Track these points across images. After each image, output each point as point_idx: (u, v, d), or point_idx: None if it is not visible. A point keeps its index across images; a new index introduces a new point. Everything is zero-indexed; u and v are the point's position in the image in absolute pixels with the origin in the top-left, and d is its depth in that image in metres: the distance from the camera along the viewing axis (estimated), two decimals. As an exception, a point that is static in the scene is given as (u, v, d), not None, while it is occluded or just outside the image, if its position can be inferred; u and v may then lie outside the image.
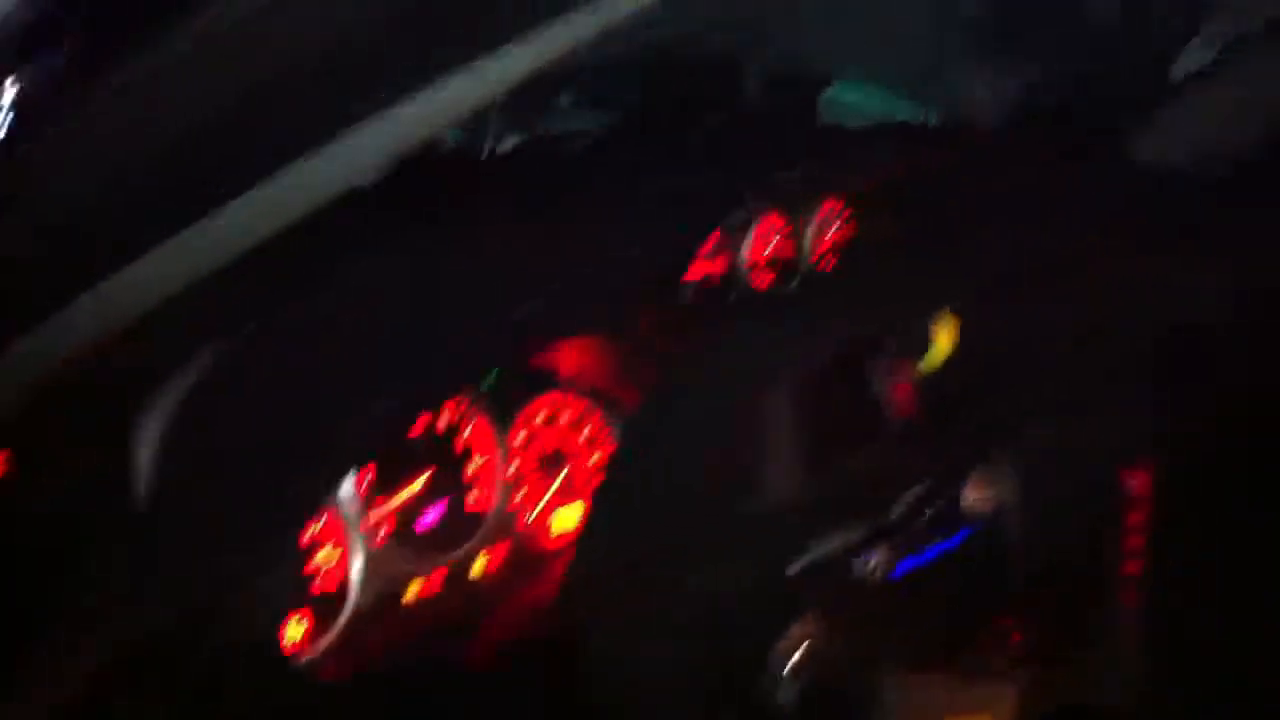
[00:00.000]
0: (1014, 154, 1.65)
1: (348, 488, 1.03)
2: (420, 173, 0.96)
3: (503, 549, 1.13)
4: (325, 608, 1.01)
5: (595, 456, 1.19)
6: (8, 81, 0.78)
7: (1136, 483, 1.29)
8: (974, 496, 1.32)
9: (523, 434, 1.16)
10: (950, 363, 1.21)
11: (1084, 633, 1.23)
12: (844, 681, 0.83)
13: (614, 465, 1.13)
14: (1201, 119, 1.64)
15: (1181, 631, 1.34)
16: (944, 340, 0.89)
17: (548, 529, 1.16)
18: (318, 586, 1.02)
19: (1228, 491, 1.43)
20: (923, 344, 0.89)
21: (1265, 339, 1.52)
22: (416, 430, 1.08)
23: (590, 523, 1.08)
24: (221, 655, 0.88)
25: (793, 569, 1.06)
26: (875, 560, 1.18)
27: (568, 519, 1.16)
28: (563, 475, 1.18)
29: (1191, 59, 1.56)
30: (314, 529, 1.01)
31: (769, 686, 0.85)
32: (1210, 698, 1.34)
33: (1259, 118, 1.54)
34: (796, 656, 0.84)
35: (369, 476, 1.04)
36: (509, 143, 1.26)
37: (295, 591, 0.99)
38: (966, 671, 1.08)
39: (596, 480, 1.13)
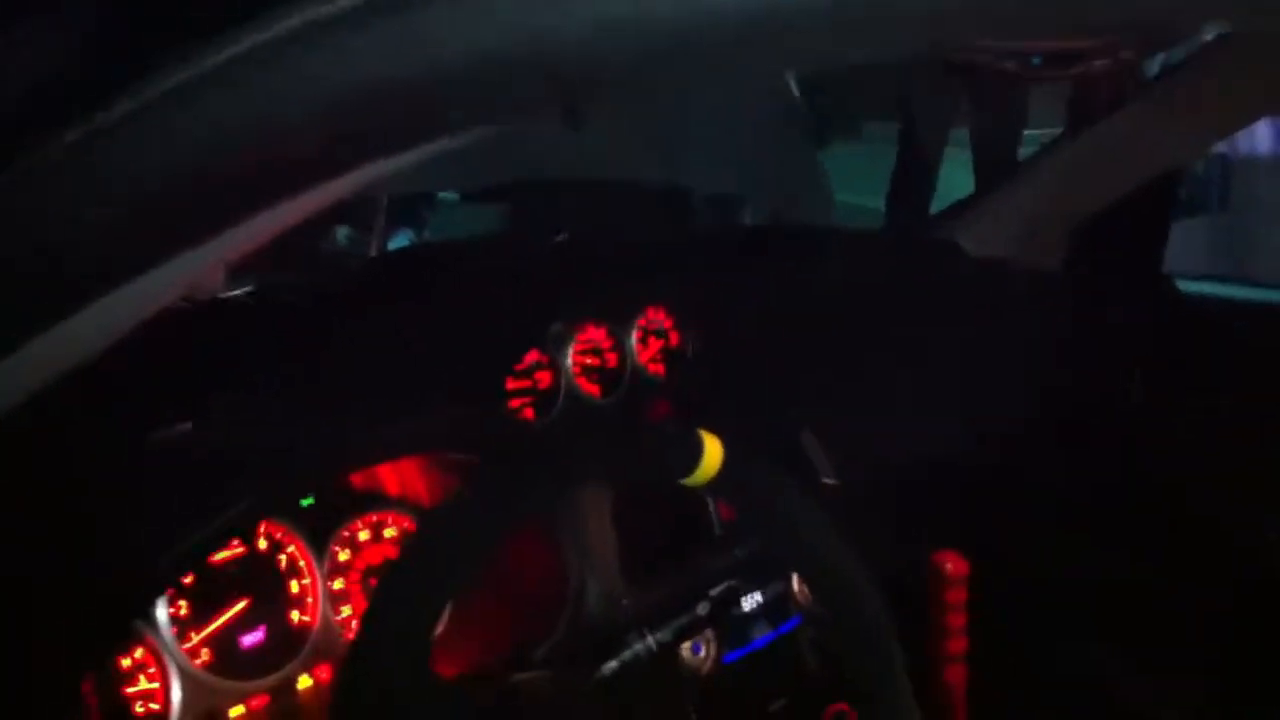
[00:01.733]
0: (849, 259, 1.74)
1: (162, 613, 1.05)
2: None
3: (328, 666, 1.15)
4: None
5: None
6: None
7: (952, 566, 1.35)
8: (803, 585, 1.37)
9: (346, 551, 1.19)
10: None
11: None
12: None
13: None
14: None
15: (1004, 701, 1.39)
16: (711, 458, 0.94)
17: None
18: (139, 713, 1.04)
19: (1039, 572, 1.51)
20: (693, 459, 0.94)
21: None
22: (234, 553, 1.11)
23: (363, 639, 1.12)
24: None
25: (608, 667, 1.11)
26: (704, 649, 1.23)
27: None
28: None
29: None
30: (132, 656, 1.04)
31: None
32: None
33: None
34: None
35: (186, 601, 1.07)
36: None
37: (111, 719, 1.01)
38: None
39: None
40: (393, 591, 0.86)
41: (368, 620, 0.84)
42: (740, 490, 1.00)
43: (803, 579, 1.28)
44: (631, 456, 0.97)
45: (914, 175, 2.55)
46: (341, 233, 2.19)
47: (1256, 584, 1.51)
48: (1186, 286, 1.94)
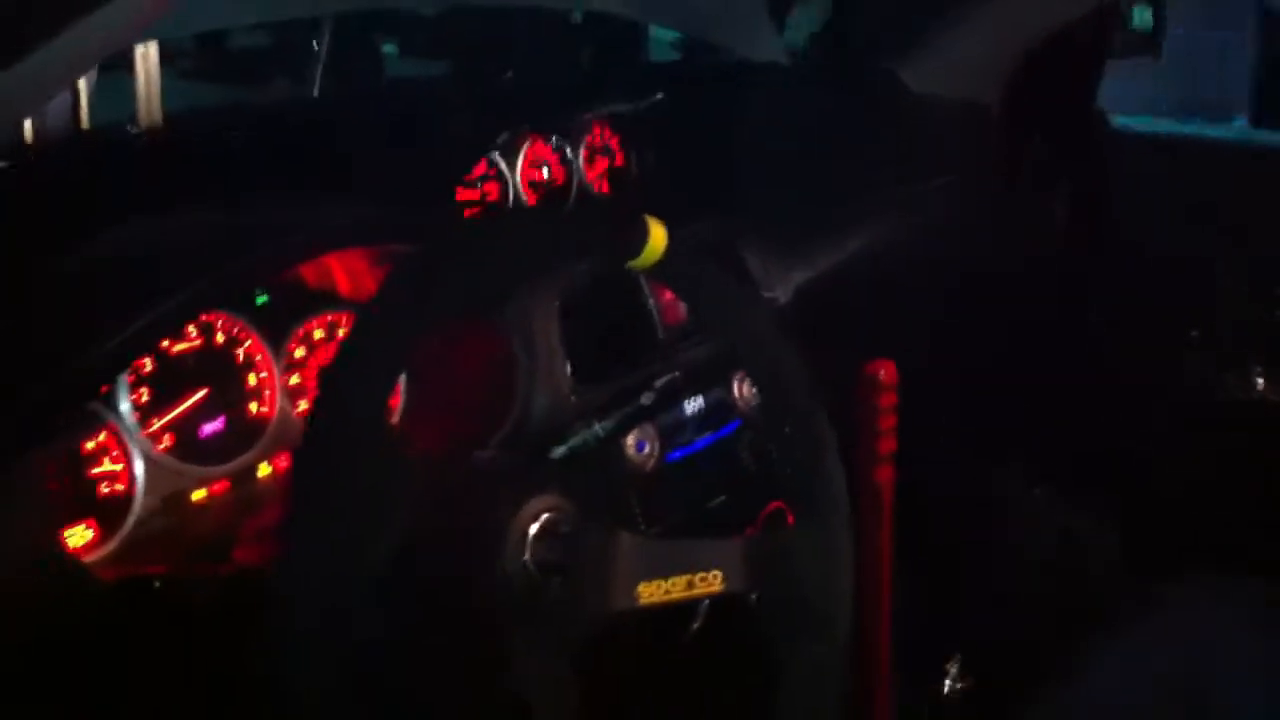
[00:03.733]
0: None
1: (125, 402, 1.09)
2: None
3: (286, 455, 1.20)
4: (109, 514, 1.07)
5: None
6: None
7: (884, 372, 1.41)
8: (743, 391, 1.44)
9: (302, 348, 1.23)
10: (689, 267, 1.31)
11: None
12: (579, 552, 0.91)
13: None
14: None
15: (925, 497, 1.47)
16: (656, 241, 0.98)
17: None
18: (101, 494, 1.08)
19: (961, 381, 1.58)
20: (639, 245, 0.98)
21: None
22: (191, 344, 1.14)
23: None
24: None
25: (557, 452, 1.16)
26: (648, 447, 1.29)
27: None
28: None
29: None
30: (94, 441, 1.07)
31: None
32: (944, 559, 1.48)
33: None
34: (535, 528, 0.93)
35: (147, 389, 1.10)
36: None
37: (77, 499, 1.05)
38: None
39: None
40: (344, 367, 0.88)
41: (323, 391, 0.87)
42: (686, 277, 1.04)
43: (746, 371, 1.32)
44: (580, 236, 1.01)
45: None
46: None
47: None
48: (1118, 121, 2.00)
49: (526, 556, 0.89)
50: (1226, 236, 1.68)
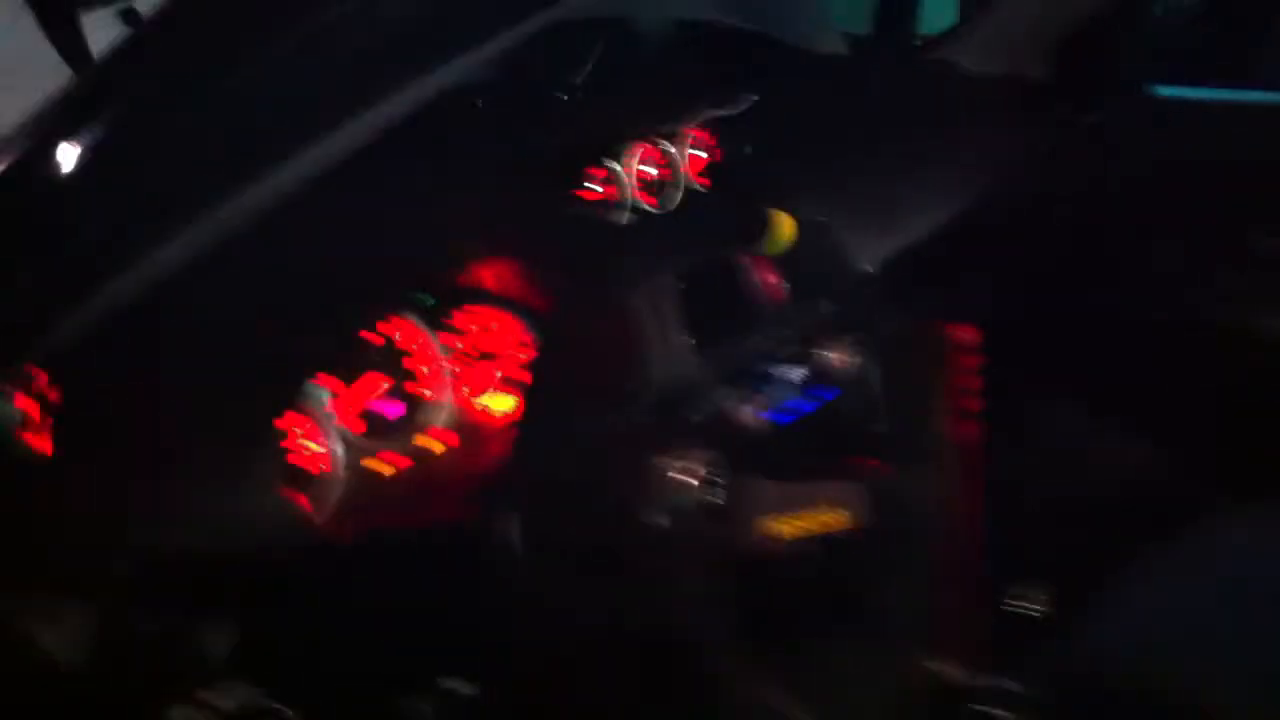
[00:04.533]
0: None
1: (323, 393, 1.28)
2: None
3: (455, 434, 1.39)
4: (317, 488, 1.27)
5: (519, 356, 1.46)
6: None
7: (966, 334, 1.58)
8: (839, 360, 1.61)
9: (460, 340, 1.42)
10: (799, 252, 1.50)
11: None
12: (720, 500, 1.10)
13: (534, 363, 1.41)
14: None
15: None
16: (783, 231, 1.15)
17: (489, 414, 1.42)
18: (306, 470, 1.27)
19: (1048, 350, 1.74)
20: (764, 234, 1.15)
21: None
22: (374, 342, 1.33)
23: (524, 407, 1.36)
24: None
25: (694, 414, 1.35)
26: (756, 409, 1.47)
27: (504, 405, 1.42)
28: (495, 373, 1.44)
29: None
30: (296, 426, 1.27)
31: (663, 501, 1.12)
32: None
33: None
34: (684, 478, 1.11)
35: (342, 382, 1.30)
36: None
37: (290, 475, 1.25)
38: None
39: (524, 374, 1.41)
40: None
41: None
42: (811, 261, 1.22)
43: (855, 345, 1.49)
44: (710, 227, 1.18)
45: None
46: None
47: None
48: (1162, 90, 2.14)
49: (689, 498, 1.08)
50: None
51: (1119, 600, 1.48)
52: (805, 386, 1.55)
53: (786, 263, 1.48)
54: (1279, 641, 1.43)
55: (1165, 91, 2.15)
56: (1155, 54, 2.27)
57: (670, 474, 1.12)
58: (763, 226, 1.16)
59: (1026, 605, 1.55)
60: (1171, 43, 2.38)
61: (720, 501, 1.09)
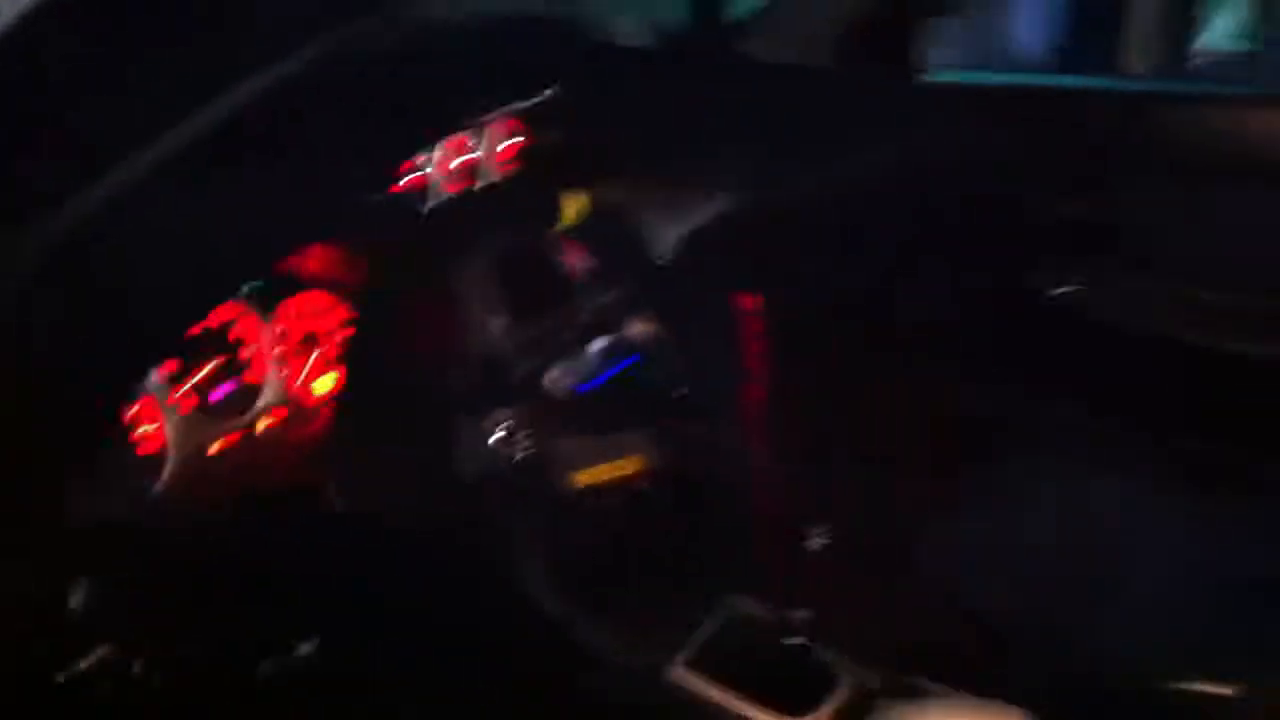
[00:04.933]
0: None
1: (155, 377, 1.38)
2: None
3: (280, 411, 1.50)
4: (151, 465, 1.37)
5: (341, 336, 1.57)
6: None
7: (749, 303, 1.75)
8: (636, 331, 1.76)
9: (282, 324, 1.52)
10: (600, 231, 1.64)
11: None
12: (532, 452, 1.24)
13: (355, 340, 1.53)
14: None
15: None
16: (572, 209, 1.29)
17: (311, 392, 1.53)
18: (142, 450, 1.37)
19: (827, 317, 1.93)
20: (556, 213, 1.29)
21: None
22: (202, 327, 1.43)
23: (344, 384, 1.48)
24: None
25: (503, 382, 1.48)
26: (560, 377, 1.61)
27: (326, 384, 1.54)
28: (317, 352, 1.55)
29: None
30: (134, 410, 1.36)
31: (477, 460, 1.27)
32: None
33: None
34: (501, 434, 1.26)
35: (171, 367, 1.39)
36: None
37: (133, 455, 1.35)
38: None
39: (346, 352, 1.53)
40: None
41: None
42: (603, 235, 1.36)
43: (649, 307, 1.65)
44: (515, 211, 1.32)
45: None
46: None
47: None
48: (937, 76, 2.34)
49: (498, 451, 1.22)
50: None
51: (906, 536, 1.67)
52: (607, 354, 1.70)
53: (590, 241, 1.62)
54: (1060, 574, 1.63)
55: (943, 77, 2.37)
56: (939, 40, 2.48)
57: (480, 434, 1.26)
58: (558, 207, 1.30)
59: (818, 542, 1.73)
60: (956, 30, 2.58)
61: (525, 456, 1.24)
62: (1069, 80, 2.36)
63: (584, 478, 1.29)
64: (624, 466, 1.34)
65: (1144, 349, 1.94)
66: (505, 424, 1.28)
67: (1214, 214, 1.93)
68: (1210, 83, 2.28)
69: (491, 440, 1.26)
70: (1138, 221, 2.08)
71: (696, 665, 1.47)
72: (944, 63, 2.45)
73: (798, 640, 1.51)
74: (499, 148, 1.79)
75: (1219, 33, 2.90)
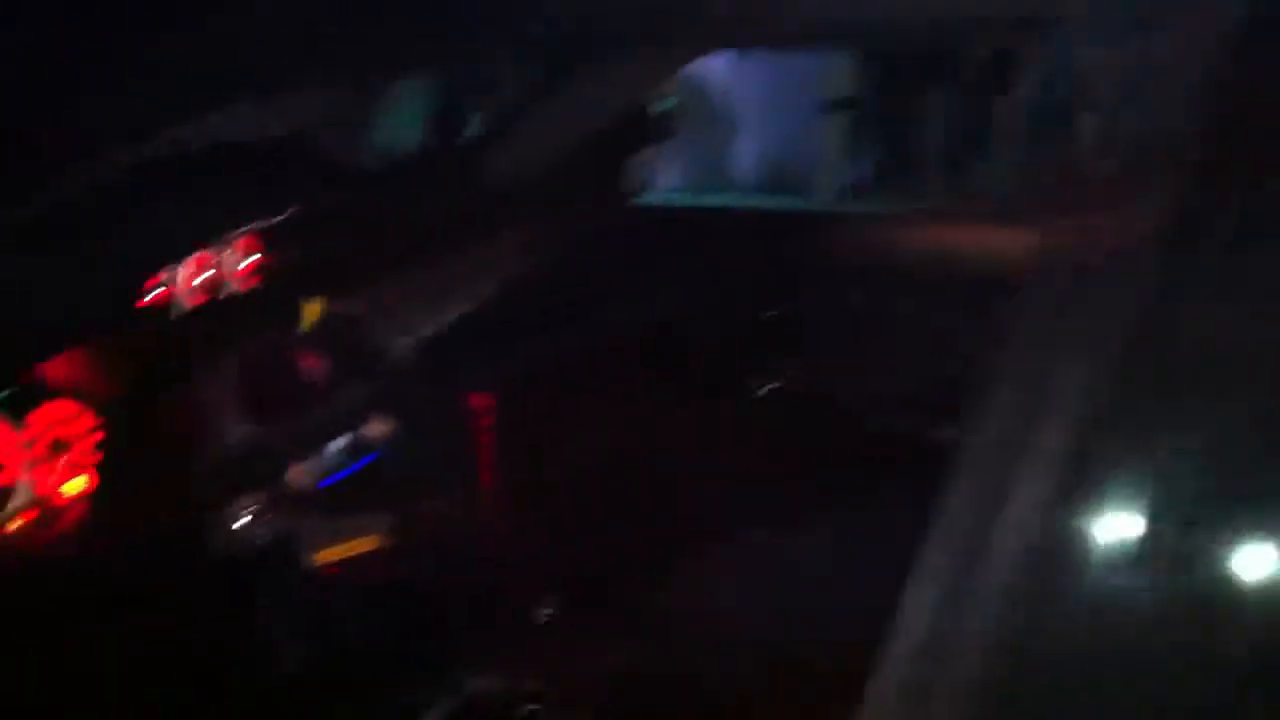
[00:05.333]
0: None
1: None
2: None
3: (30, 513, 1.58)
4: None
5: (91, 441, 1.67)
6: None
7: (480, 401, 1.94)
8: (375, 431, 1.92)
9: (36, 429, 1.61)
10: (340, 338, 1.81)
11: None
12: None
13: (106, 444, 1.63)
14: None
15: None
16: (311, 314, 1.46)
17: (61, 495, 1.62)
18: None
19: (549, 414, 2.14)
20: (296, 321, 1.45)
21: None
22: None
23: (98, 485, 1.58)
24: None
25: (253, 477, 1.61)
26: (306, 473, 1.75)
27: (76, 486, 1.63)
28: (66, 457, 1.64)
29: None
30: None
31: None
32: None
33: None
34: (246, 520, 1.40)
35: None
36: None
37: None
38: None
39: (96, 456, 1.63)
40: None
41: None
42: (342, 336, 1.52)
43: (386, 409, 1.81)
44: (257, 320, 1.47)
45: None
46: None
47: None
48: (650, 198, 2.62)
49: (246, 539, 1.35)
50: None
51: (638, 605, 1.87)
52: (347, 452, 1.85)
53: (329, 346, 1.78)
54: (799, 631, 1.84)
55: (652, 199, 2.65)
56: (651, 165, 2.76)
57: (230, 522, 1.39)
58: (298, 316, 1.46)
59: (547, 615, 1.90)
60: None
61: (269, 537, 1.38)
62: (761, 201, 2.69)
63: (324, 556, 1.44)
64: (361, 545, 1.49)
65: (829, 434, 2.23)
66: (250, 509, 1.42)
67: (873, 313, 2.26)
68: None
69: (236, 525, 1.40)
70: (820, 324, 2.40)
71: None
72: (667, 186, 2.75)
73: (528, 710, 1.67)
74: (240, 265, 1.93)
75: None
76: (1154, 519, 0.97)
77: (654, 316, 2.25)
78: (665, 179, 2.82)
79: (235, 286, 1.86)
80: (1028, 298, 1.07)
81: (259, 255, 1.97)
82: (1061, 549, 1.00)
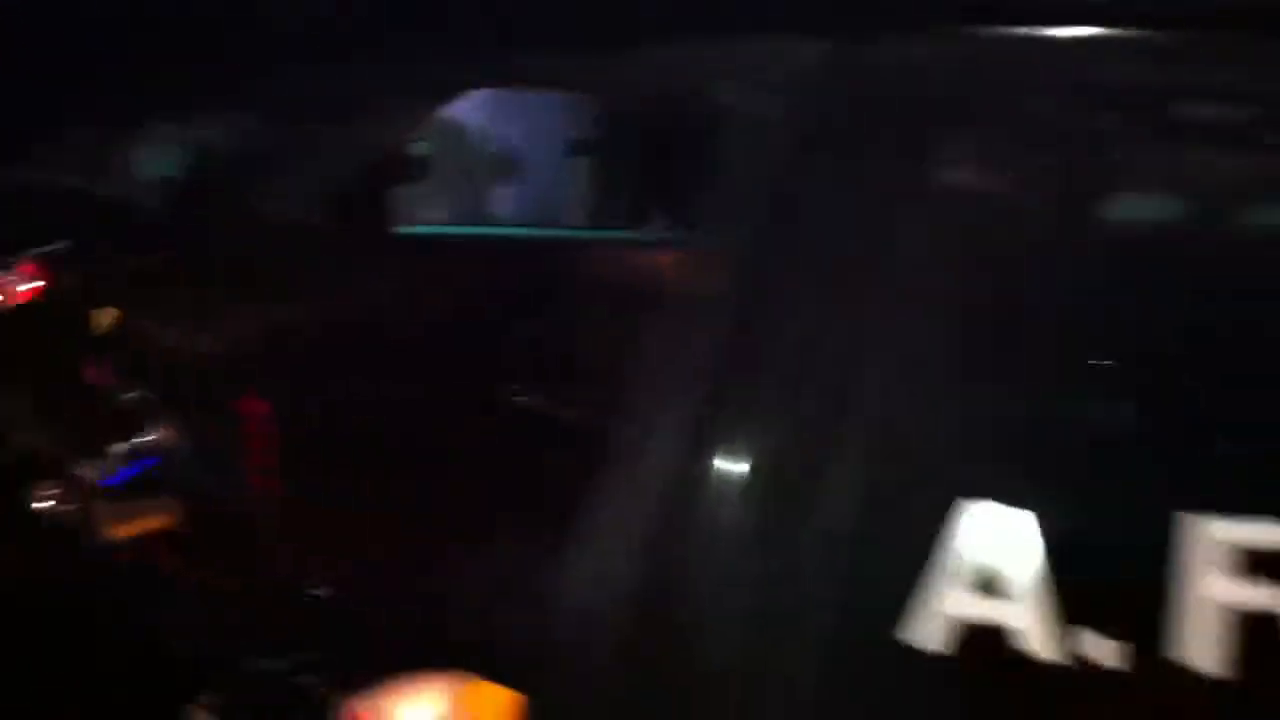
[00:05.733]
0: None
1: None
2: None
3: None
4: None
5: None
6: None
7: (255, 408, 2.11)
8: (159, 437, 2.07)
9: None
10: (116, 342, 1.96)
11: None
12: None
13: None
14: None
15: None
16: (103, 321, 1.62)
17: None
18: None
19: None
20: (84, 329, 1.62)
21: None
22: None
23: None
24: None
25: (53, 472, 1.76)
26: (89, 475, 1.89)
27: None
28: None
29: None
30: None
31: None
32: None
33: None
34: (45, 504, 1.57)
35: None
36: None
37: None
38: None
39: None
40: None
41: None
42: (126, 349, 1.69)
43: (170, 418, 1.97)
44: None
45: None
46: None
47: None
48: (411, 230, 2.84)
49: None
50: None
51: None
52: (128, 456, 1.99)
53: (114, 353, 1.93)
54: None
55: (414, 230, 2.86)
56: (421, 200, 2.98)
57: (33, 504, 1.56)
58: (86, 324, 1.62)
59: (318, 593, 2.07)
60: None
61: (69, 516, 1.54)
62: (513, 230, 2.95)
63: (120, 531, 1.60)
64: (154, 521, 1.66)
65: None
66: (49, 494, 1.58)
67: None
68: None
69: (36, 506, 1.56)
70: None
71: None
72: (429, 220, 2.96)
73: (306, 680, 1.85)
74: (22, 287, 2.07)
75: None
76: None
77: (413, 333, 2.47)
78: (427, 215, 3.03)
79: (19, 300, 2.00)
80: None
81: (40, 281, 2.10)
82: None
